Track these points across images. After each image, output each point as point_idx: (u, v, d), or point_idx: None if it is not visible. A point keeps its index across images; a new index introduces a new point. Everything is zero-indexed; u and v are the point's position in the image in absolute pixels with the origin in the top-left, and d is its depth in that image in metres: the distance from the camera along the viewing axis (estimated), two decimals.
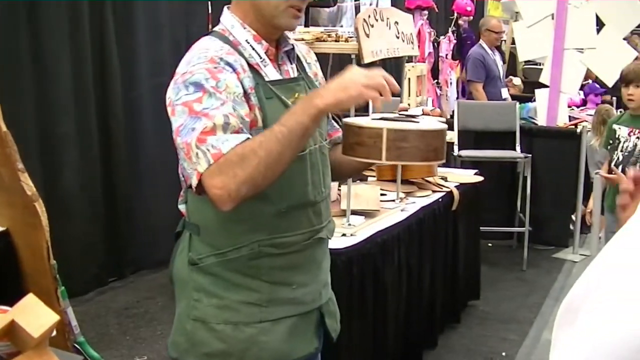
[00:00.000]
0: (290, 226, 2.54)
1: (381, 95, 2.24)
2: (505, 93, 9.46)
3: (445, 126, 2.42)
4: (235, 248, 2.50)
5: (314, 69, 2.77)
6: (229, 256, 2.50)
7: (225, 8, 2.58)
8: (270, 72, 2.50)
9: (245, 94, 2.38)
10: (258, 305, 2.56)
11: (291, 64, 2.63)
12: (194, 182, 2.30)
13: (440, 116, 7.07)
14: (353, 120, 2.42)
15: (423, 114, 2.61)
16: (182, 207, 2.61)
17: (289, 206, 2.51)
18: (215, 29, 2.55)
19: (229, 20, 2.53)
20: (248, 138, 2.26)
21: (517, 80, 9.78)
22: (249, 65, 2.44)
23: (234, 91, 2.33)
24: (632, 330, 0.89)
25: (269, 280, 2.55)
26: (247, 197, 2.26)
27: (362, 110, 4.15)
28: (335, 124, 2.82)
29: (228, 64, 2.37)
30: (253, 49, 2.47)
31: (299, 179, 2.52)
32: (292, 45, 2.64)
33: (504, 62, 10.14)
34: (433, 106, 8.63)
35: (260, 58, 2.48)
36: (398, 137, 2.27)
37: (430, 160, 2.39)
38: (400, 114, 2.53)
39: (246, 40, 2.48)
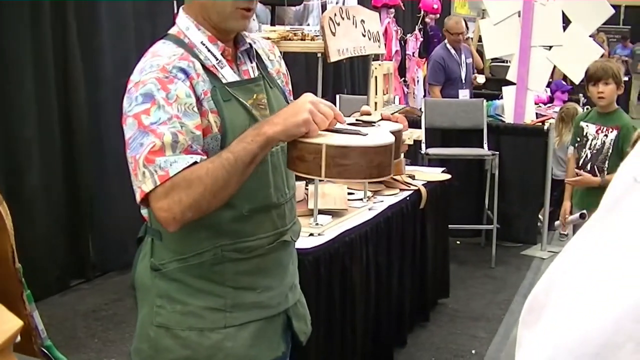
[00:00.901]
0: (254, 230, 2.51)
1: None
2: (464, 94, 9.44)
3: (392, 140, 2.31)
4: (197, 253, 2.47)
5: (276, 66, 2.73)
6: (192, 262, 2.47)
7: (180, 9, 2.54)
8: (228, 74, 2.46)
9: (198, 101, 2.34)
10: (222, 310, 2.53)
11: (251, 62, 2.59)
12: (138, 198, 2.27)
13: (408, 112, 7.01)
14: None
15: (382, 119, 2.54)
16: (144, 212, 2.58)
17: (252, 210, 2.48)
18: (170, 31, 2.52)
19: (184, 22, 2.49)
20: (195, 162, 2.23)
21: (480, 78, 9.80)
22: (205, 68, 2.41)
23: (184, 102, 2.29)
24: (593, 328, 0.88)
25: (233, 285, 2.53)
26: (193, 220, 2.26)
27: None
28: None
29: (181, 70, 2.33)
30: (209, 50, 2.44)
31: (261, 182, 2.49)
32: (250, 43, 2.59)
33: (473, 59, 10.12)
34: (401, 104, 8.60)
35: (217, 60, 2.44)
36: (338, 154, 2.18)
37: (373, 177, 2.30)
38: (357, 120, 2.48)
39: (201, 42, 2.44)
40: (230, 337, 2.54)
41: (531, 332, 0.98)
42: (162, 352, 2.54)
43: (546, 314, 0.96)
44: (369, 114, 2.54)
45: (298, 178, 2.72)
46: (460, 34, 9.55)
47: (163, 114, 2.24)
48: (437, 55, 9.64)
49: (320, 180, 3.63)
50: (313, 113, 2.21)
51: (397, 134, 2.43)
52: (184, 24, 2.48)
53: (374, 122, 2.48)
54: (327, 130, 2.29)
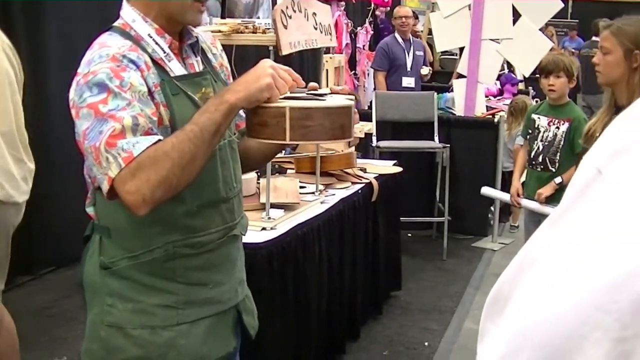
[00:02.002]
0: (204, 225, 2.49)
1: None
2: (407, 81, 9.47)
3: (353, 102, 2.36)
4: (148, 250, 2.43)
5: (219, 59, 2.71)
6: (143, 259, 2.44)
7: (124, 1, 2.48)
8: (175, 67, 2.43)
9: (150, 92, 2.31)
10: (174, 307, 2.50)
11: (196, 56, 2.57)
12: (105, 187, 2.22)
13: (350, 94, 7.01)
14: None
15: (331, 93, 2.55)
16: (90, 210, 2.53)
17: (201, 205, 2.46)
18: (115, 23, 2.46)
19: (129, 14, 2.44)
20: (159, 140, 2.20)
21: (424, 70, 9.83)
22: (153, 60, 2.37)
23: (138, 90, 2.26)
24: (560, 318, 0.88)
25: (184, 282, 2.50)
26: (163, 200, 2.20)
27: None
28: (242, 114, 2.75)
29: (131, 61, 2.29)
30: (156, 43, 2.40)
31: (210, 176, 2.47)
32: (197, 37, 2.57)
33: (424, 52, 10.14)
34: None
35: (164, 53, 2.41)
36: (302, 116, 2.20)
37: (337, 138, 2.33)
38: (308, 93, 2.47)
39: (149, 35, 2.40)
40: (183, 334, 2.51)
41: (495, 324, 0.99)
42: (113, 352, 2.50)
43: (511, 306, 0.96)
44: (315, 89, 2.54)
45: (244, 171, 2.71)
46: (404, 18, 9.56)
47: (121, 101, 2.20)
48: (382, 43, 9.78)
49: (284, 151, 3.56)
50: (274, 77, 2.22)
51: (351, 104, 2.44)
52: (130, 16, 2.43)
53: (324, 95, 2.49)
54: (285, 98, 2.29)
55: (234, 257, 2.69)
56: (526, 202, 5.59)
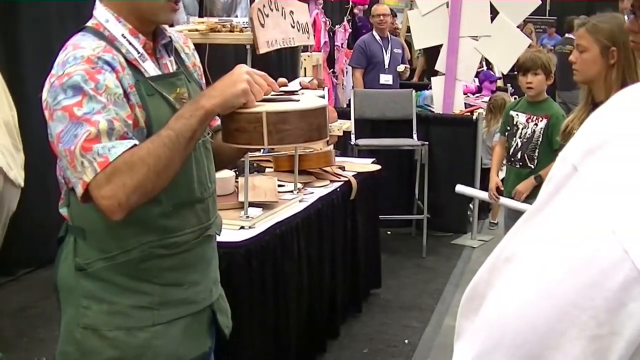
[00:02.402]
0: (180, 225, 2.49)
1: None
2: (385, 79, 9.47)
3: (326, 101, 2.37)
4: (124, 251, 2.42)
5: (192, 59, 2.70)
6: (119, 260, 2.43)
7: (97, 1, 2.46)
8: (150, 68, 2.42)
9: (125, 94, 2.30)
10: (150, 308, 2.49)
11: (169, 56, 2.56)
12: (79, 191, 2.20)
13: (319, 87, 7.03)
14: None
15: (302, 88, 2.55)
16: (63, 211, 2.51)
17: (176, 205, 2.46)
18: (89, 23, 2.44)
19: (102, 14, 2.42)
20: (135, 144, 2.19)
21: (399, 67, 9.82)
22: (127, 61, 2.36)
23: (114, 92, 2.24)
24: (536, 316, 0.89)
25: (160, 282, 2.50)
26: (138, 205, 2.20)
27: None
28: None
29: (106, 62, 2.28)
30: (130, 43, 2.38)
31: (185, 177, 2.46)
32: (170, 37, 2.56)
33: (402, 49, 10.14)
34: (329, 95, 8.61)
35: (139, 53, 2.39)
36: (279, 120, 2.20)
37: (314, 139, 2.34)
38: (281, 91, 2.47)
39: (122, 35, 2.38)
40: (159, 335, 2.51)
41: (471, 322, 0.98)
42: (89, 354, 2.49)
43: (487, 304, 0.96)
44: (285, 85, 2.53)
45: (217, 169, 2.70)
46: (382, 16, 9.57)
47: (96, 104, 2.18)
48: (360, 40, 9.78)
49: (262, 150, 3.54)
50: (250, 83, 2.22)
51: (323, 98, 2.44)
52: (103, 16, 2.41)
53: (297, 91, 2.49)
54: (259, 101, 2.29)
55: (209, 257, 2.69)
56: (504, 200, 5.61)
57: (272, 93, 2.40)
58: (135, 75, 2.35)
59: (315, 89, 2.57)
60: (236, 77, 2.23)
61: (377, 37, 9.53)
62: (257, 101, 2.27)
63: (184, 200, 2.48)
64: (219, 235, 2.78)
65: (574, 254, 0.87)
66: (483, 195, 5.97)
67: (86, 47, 2.29)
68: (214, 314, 2.71)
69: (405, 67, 9.84)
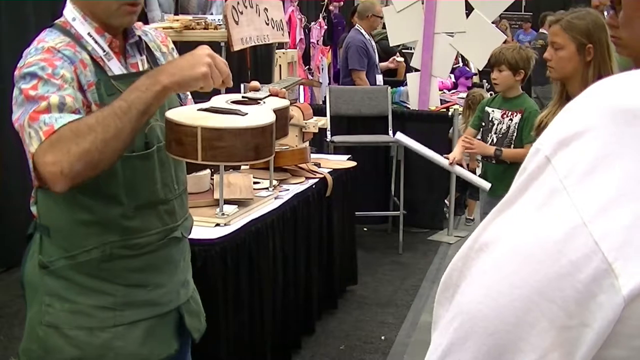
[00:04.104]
0: (142, 227, 2.47)
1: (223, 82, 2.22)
2: (380, 79, 9.47)
3: (271, 120, 2.28)
4: (85, 250, 2.42)
5: (169, 58, 2.68)
6: (80, 259, 2.42)
7: (68, 0, 2.47)
8: (114, 67, 2.41)
9: (82, 90, 2.29)
10: (112, 309, 2.49)
11: (141, 55, 2.54)
12: (31, 166, 2.20)
13: (307, 83, 7.10)
14: (172, 114, 2.26)
15: (270, 95, 2.53)
16: (33, 209, 2.51)
17: (138, 206, 2.44)
18: (57, 21, 2.45)
19: (70, 12, 2.43)
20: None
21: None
22: (93, 59, 2.35)
23: (69, 81, 2.23)
24: (507, 306, 0.90)
25: (122, 283, 2.49)
26: (83, 176, 2.13)
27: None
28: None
29: (66, 56, 2.28)
30: (96, 42, 2.38)
31: (147, 178, 2.45)
32: (139, 36, 2.54)
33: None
34: (305, 92, 8.59)
35: (104, 52, 2.39)
36: (214, 137, 2.15)
37: (250, 159, 2.29)
38: (243, 97, 2.45)
39: (88, 34, 2.38)
40: (120, 335, 2.50)
41: (445, 311, 0.99)
42: (51, 352, 2.49)
43: (459, 293, 0.97)
44: (257, 89, 2.51)
45: (197, 167, 2.68)
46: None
47: (51, 87, 2.19)
48: (358, 40, 9.29)
49: (198, 164, 3.49)
50: (212, 67, 2.18)
51: (281, 111, 2.40)
52: (70, 14, 2.42)
53: (260, 99, 2.46)
54: (206, 110, 2.27)
55: (176, 259, 2.67)
56: (458, 169, 5.69)
57: (229, 100, 2.39)
58: (98, 74, 2.34)
59: (284, 97, 2.54)
60: (197, 59, 2.19)
61: (367, 36, 9.42)
62: (205, 108, 2.26)
63: (146, 201, 2.46)
64: (187, 237, 2.75)
65: (545, 245, 0.88)
66: (423, 149, 6.03)
67: (49, 41, 2.31)
68: (181, 316, 2.70)
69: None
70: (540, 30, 13.75)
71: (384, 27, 9.58)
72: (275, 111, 2.36)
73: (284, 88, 2.70)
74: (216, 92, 2.42)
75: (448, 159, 5.84)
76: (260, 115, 2.31)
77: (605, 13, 3.78)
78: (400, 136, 6.33)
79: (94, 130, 2.10)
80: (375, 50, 9.51)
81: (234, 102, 2.41)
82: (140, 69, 2.51)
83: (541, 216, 0.90)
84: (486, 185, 5.50)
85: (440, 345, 0.97)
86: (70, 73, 2.25)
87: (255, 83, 2.55)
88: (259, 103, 2.43)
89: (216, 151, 2.16)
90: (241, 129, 2.19)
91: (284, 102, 2.50)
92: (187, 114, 2.24)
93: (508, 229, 0.94)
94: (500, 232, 0.95)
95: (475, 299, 0.93)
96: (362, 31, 9.39)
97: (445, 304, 1.00)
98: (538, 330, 0.87)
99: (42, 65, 2.22)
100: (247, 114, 2.29)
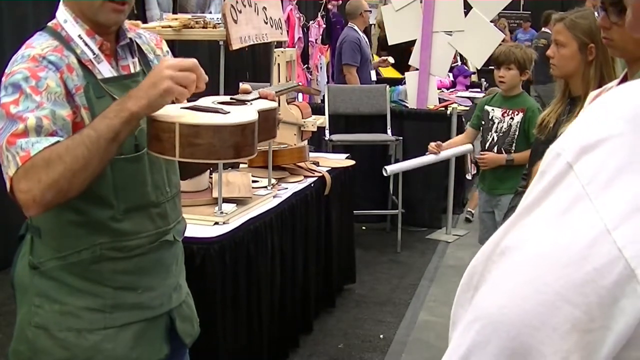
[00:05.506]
0: (133, 229, 2.46)
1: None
2: (374, 75, 9.48)
3: (252, 119, 2.27)
4: (75, 251, 2.41)
5: None
6: (70, 260, 2.42)
7: (60, 1, 2.46)
8: (104, 69, 2.40)
9: (69, 95, 2.28)
10: (102, 311, 2.48)
11: (132, 58, 2.53)
12: (8, 186, 2.20)
13: (305, 90, 7.14)
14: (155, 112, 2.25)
15: (260, 97, 2.52)
16: None
17: (128, 208, 2.43)
18: (49, 23, 2.45)
19: (62, 14, 2.43)
20: (58, 141, 2.16)
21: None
22: (81, 62, 2.35)
23: (54, 91, 2.23)
24: (530, 309, 0.91)
25: (112, 285, 2.48)
26: (55, 203, 2.18)
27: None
28: None
29: (50, 62, 2.27)
30: (86, 44, 2.37)
31: (138, 180, 2.44)
32: (130, 38, 2.53)
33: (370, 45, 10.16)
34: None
35: (94, 54, 2.38)
36: (191, 133, 2.14)
37: (228, 158, 2.29)
38: (231, 98, 2.44)
39: (79, 36, 2.38)
40: (110, 338, 2.49)
41: (465, 311, 1.00)
42: (40, 353, 2.48)
43: (480, 296, 0.98)
44: (247, 92, 2.51)
45: (198, 172, 2.67)
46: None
47: (31, 103, 2.18)
48: (352, 36, 9.37)
49: (197, 169, 3.47)
50: (174, 78, 2.14)
51: (266, 112, 2.39)
52: (62, 16, 2.42)
53: (248, 101, 2.45)
54: (189, 108, 2.26)
55: (168, 262, 2.65)
56: (446, 152, 5.84)
57: (216, 100, 2.38)
58: (86, 77, 2.34)
59: (273, 100, 2.54)
60: (157, 76, 2.16)
61: (361, 33, 9.44)
62: (188, 106, 2.25)
63: (137, 204, 2.46)
64: (179, 240, 2.73)
65: (569, 251, 0.89)
66: (414, 162, 6.22)
67: (36, 47, 2.31)
68: (172, 320, 2.68)
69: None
70: (543, 29, 13.72)
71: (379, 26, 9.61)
72: (260, 112, 2.35)
73: (277, 92, 2.70)
74: (216, 93, 2.42)
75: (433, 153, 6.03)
76: (242, 114, 2.29)
77: (597, 14, 3.77)
78: (390, 170, 6.45)
79: (63, 160, 2.12)
80: (369, 47, 9.53)
81: (220, 102, 2.40)
82: (132, 71, 2.50)
83: (564, 222, 0.91)
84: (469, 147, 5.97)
85: (461, 346, 0.97)
86: (55, 81, 2.24)
87: (246, 86, 2.54)
88: (246, 104, 2.42)
89: (194, 148, 2.15)
90: (219, 126, 2.18)
91: (272, 104, 2.49)
92: (169, 112, 2.23)
93: (531, 234, 0.94)
94: (523, 237, 0.95)
95: (498, 303, 0.94)
96: (356, 28, 9.43)
97: (465, 305, 1.01)
98: (560, 333, 0.88)
99: (27, 75, 2.22)
100: (229, 112, 2.28)
